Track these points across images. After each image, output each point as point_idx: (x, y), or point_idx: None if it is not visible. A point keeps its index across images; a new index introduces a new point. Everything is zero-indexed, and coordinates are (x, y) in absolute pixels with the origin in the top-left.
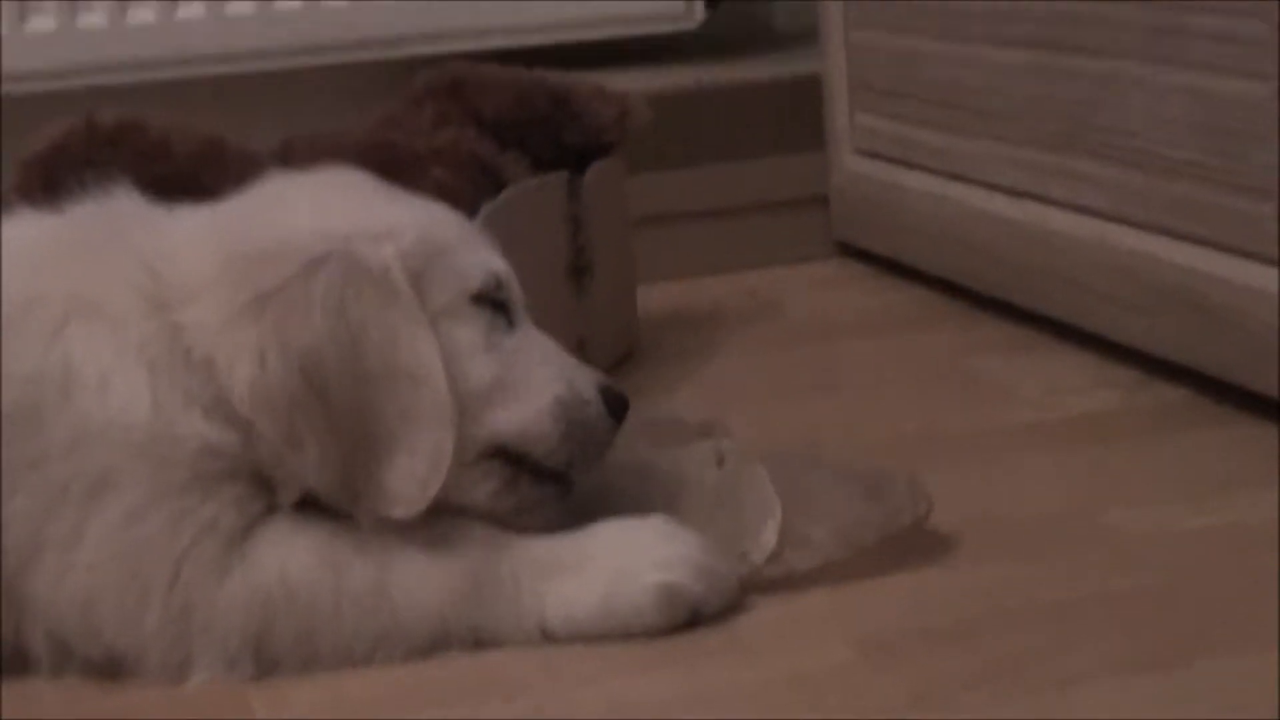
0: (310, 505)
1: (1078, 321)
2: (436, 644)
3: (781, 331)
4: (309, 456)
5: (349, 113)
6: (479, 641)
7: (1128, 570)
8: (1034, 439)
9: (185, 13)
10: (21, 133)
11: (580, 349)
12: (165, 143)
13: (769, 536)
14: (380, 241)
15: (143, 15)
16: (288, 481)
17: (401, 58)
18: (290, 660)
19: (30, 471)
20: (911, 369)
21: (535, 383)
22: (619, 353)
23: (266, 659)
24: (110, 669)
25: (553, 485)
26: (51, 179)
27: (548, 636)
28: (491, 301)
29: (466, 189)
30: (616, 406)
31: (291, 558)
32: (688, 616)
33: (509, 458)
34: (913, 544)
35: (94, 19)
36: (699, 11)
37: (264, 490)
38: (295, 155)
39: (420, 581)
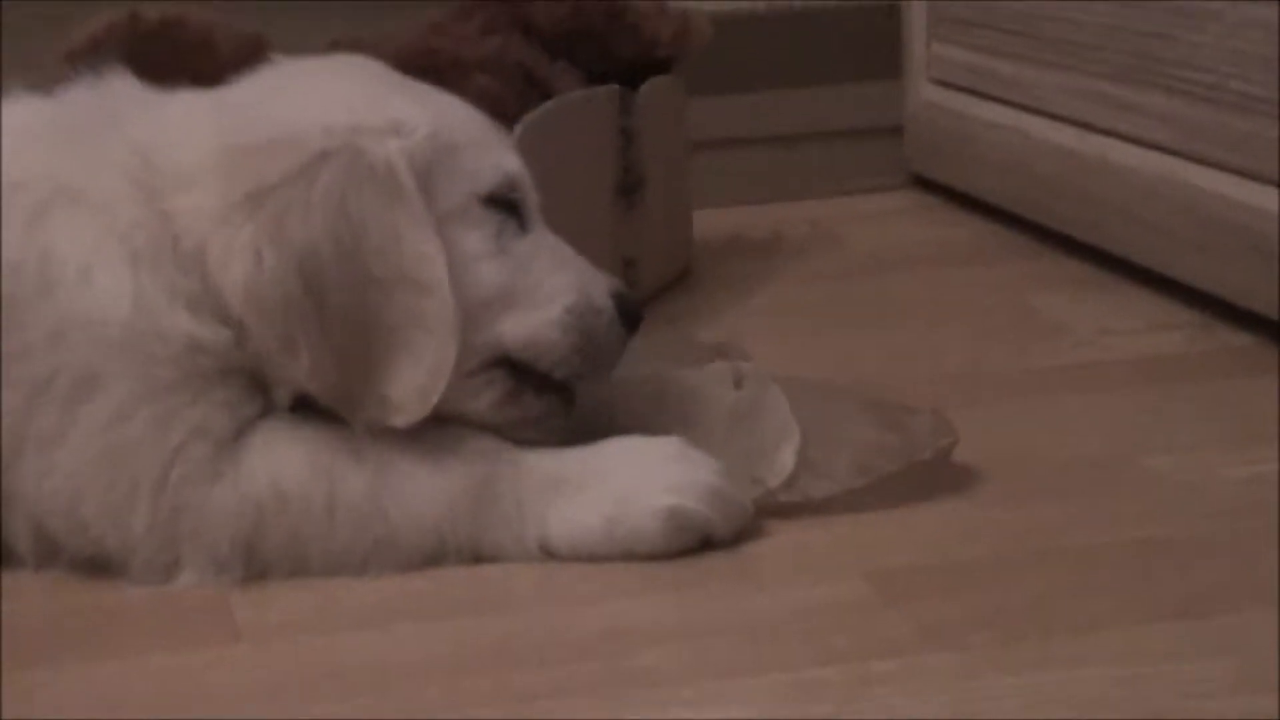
0: (306, 407)
1: (1142, 260)
2: (432, 557)
3: (840, 262)
4: (303, 361)
5: (399, 19)
6: (477, 557)
7: (1163, 518)
8: (1084, 379)
9: None
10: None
11: (627, 268)
12: (208, 40)
13: (785, 460)
14: (388, 136)
15: None
16: (282, 383)
17: None
18: (280, 567)
19: (11, 366)
20: (967, 304)
21: (545, 290)
22: (670, 275)
23: (256, 564)
24: (97, 566)
25: (557, 397)
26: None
27: (549, 555)
28: (504, 203)
29: (511, 98)
30: (630, 315)
31: (285, 464)
32: (696, 541)
33: (513, 367)
34: (941, 480)
35: None
36: None
37: (257, 392)
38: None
39: (418, 493)
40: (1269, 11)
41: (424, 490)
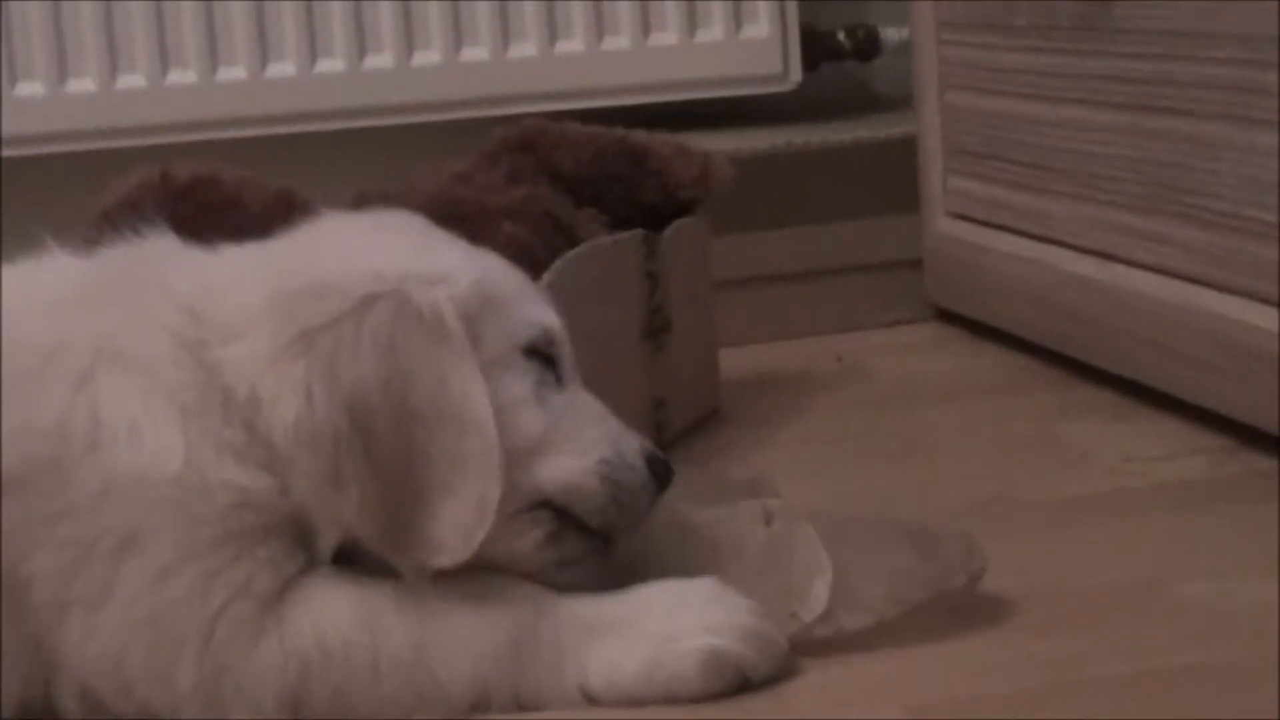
0: (347, 562)
1: (1166, 386)
2: (477, 706)
3: (866, 395)
4: (350, 497)
5: (421, 169)
6: (520, 704)
7: (1196, 645)
8: (1112, 507)
9: (274, 71)
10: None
11: (657, 409)
12: (238, 197)
13: (819, 595)
14: (434, 285)
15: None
16: (328, 526)
17: (479, 118)
18: None
19: (53, 528)
20: (994, 434)
21: (582, 441)
22: (699, 414)
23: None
24: None
25: (597, 540)
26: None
27: (590, 700)
28: (542, 356)
29: (539, 245)
30: (661, 474)
31: (328, 619)
32: (735, 682)
33: (555, 511)
34: (974, 612)
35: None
36: (796, 74)
37: (300, 547)
38: (367, 209)
39: (460, 644)
40: (1273, 139)
41: (466, 641)
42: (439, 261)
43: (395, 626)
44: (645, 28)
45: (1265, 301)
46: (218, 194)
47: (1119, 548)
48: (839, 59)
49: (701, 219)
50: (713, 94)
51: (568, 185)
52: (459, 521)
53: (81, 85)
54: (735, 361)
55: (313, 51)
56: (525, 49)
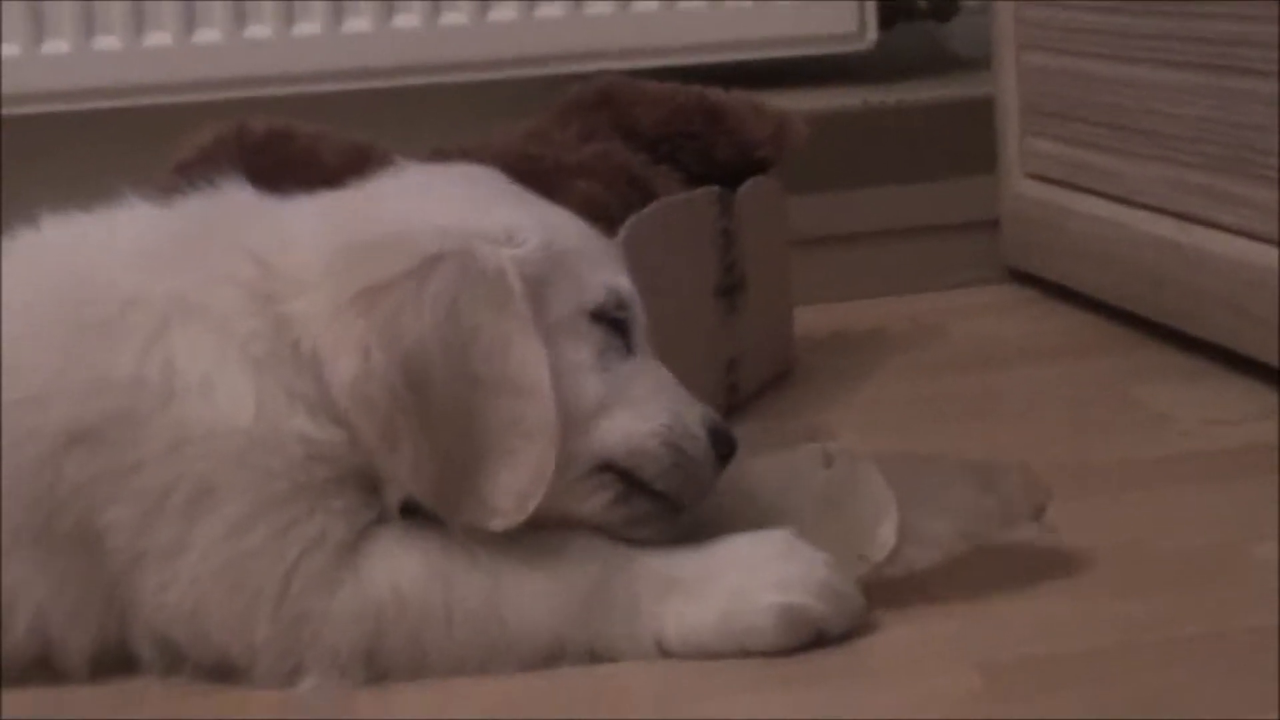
0: (417, 512)
1: (1244, 349)
2: (550, 658)
3: (941, 356)
4: (404, 457)
5: (496, 126)
6: (594, 656)
7: (1272, 606)
8: (1188, 469)
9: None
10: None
11: (730, 368)
12: (314, 150)
13: (887, 534)
14: (501, 243)
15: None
16: (389, 482)
17: (555, 75)
18: (401, 670)
19: (127, 480)
20: (1070, 395)
21: (645, 408)
22: (773, 373)
23: (377, 668)
24: (220, 671)
25: (665, 502)
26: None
27: (665, 653)
28: (611, 321)
29: (614, 202)
30: (723, 446)
31: (403, 570)
32: (811, 637)
33: (620, 473)
34: (1049, 571)
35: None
36: (871, 35)
37: (373, 498)
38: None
39: (534, 598)
40: None
41: (539, 594)
42: (509, 218)
43: (470, 578)
44: None
45: None
46: (293, 148)
47: (1195, 510)
48: (916, 18)
49: (776, 178)
50: (789, 53)
51: (643, 142)
52: (514, 486)
53: (159, 39)
54: (809, 321)
55: (389, 7)
56: (602, 7)
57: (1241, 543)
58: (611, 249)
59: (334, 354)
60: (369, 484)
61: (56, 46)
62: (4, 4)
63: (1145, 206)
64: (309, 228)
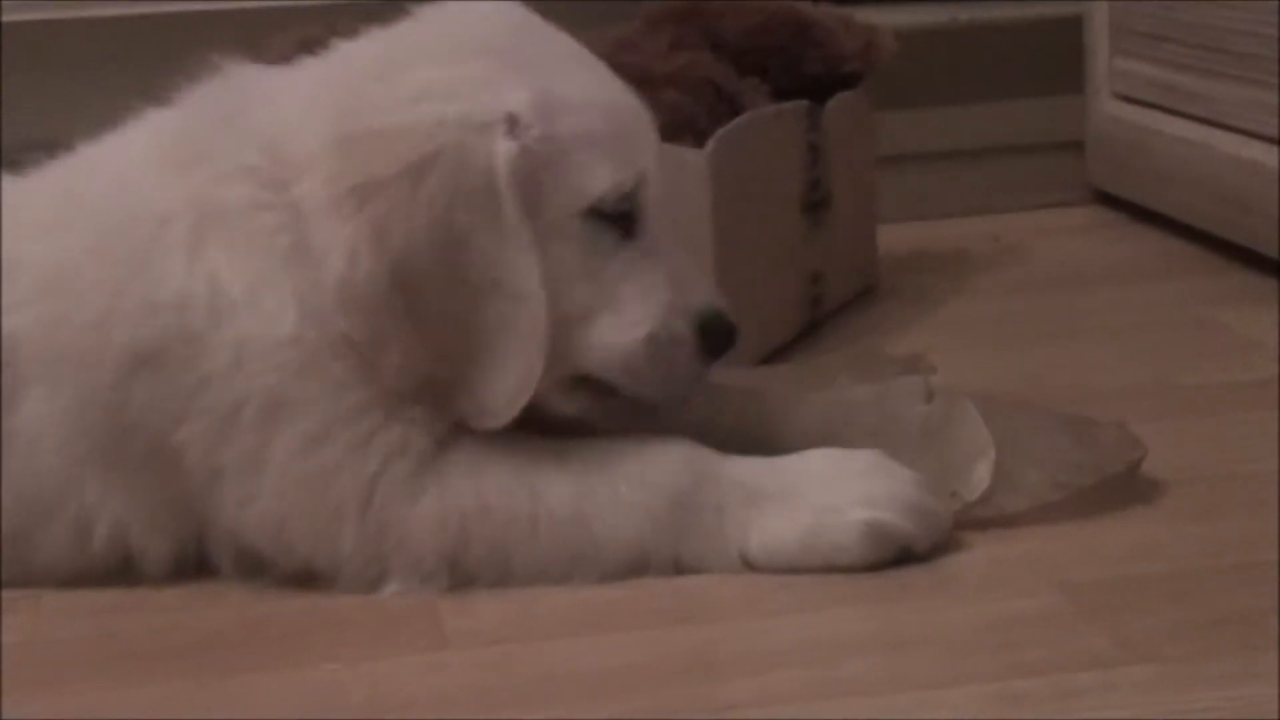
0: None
1: None
2: (634, 568)
3: (1023, 277)
4: (391, 358)
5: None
6: (678, 568)
7: None
8: (1269, 394)
9: None
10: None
11: (814, 283)
12: None
13: (981, 475)
14: (498, 135)
15: None
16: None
17: None
18: (484, 577)
19: (195, 398)
20: (1152, 318)
21: (628, 316)
22: (856, 289)
23: (461, 575)
24: (301, 580)
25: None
26: None
27: (749, 567)
28: (609, 216)
29: (700, 113)
30: (716, 340)
31: (487, 477)
32: (896, 554)
33: (597, 381)
34: (1132, 494)
35: None
36: None
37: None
38: None
39: (619, 506)
40: None
41: (626, 503)
42: (512, 100)
43: (554, 485)
44: None
45: None
46: None
47: (1276, 435)
48: None
49: (864, 93)
50: None
51: (731, 54)
52: (502, 388)
53: None
54: (893, 238)
55: None
56: None
57: None
58: (636, 121)
59: (323, 252)
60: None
61: None
62: None
63: (1234, 129)
64: (309, 104)
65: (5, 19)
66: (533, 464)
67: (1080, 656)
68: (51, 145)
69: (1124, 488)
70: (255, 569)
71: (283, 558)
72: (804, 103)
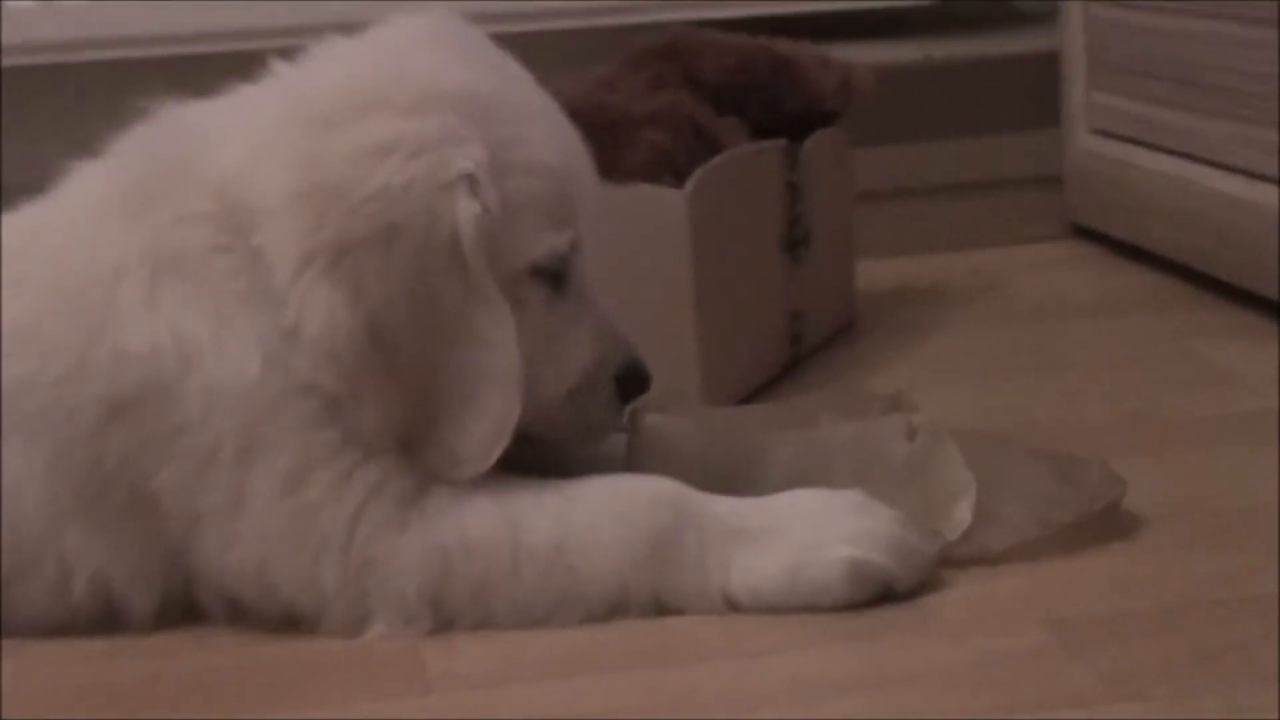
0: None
1: None
2: (616, 608)
3: (1004, 311)
4: (369, 412)
5: (568, 75)
6: (660, 607)
7: None
8: (1253, 428)
9: None
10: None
11: (794, 320)
12: None
13: (963, 513)
14: (462, 198)
15: None
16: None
17: (624, 25)
18: (467, 617)
19: (170, 443)
20: (1134, 352)
21: (556, 370)
22: (836, 326)
23: (443, 615)
24: (286, 622)
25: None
26: None
27: (731, 606)
28: (546, 273)
29: (681, 152)
30: (630, 388)
31: (469, 515)
32: (878, 592)
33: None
34: (1116, 529)
35: None
36: None
37: None
38: None
39: (601, 543)
40: None
41: (607, 541)
42: (470, 158)
43: (536, 523)
44: None
45: None
46: None
47: (1262, 469)
48: None
49: (842, 130)
50: (855, 5)
51: (710, 93)
52: (478, 436)
53: None
54: (872, 274)
55: None
56: None
57: None
58: (575, 179)
59: (299, 307)
60: None
61: None
62: None
63: (1213, 163)
64: (263, 149)
65: (5, 63)
66: (514, 502)
67: (1067, 694)
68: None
69: (1107, 522)
70: (242, 612)
71: (265, 600)
72: (783, 141)
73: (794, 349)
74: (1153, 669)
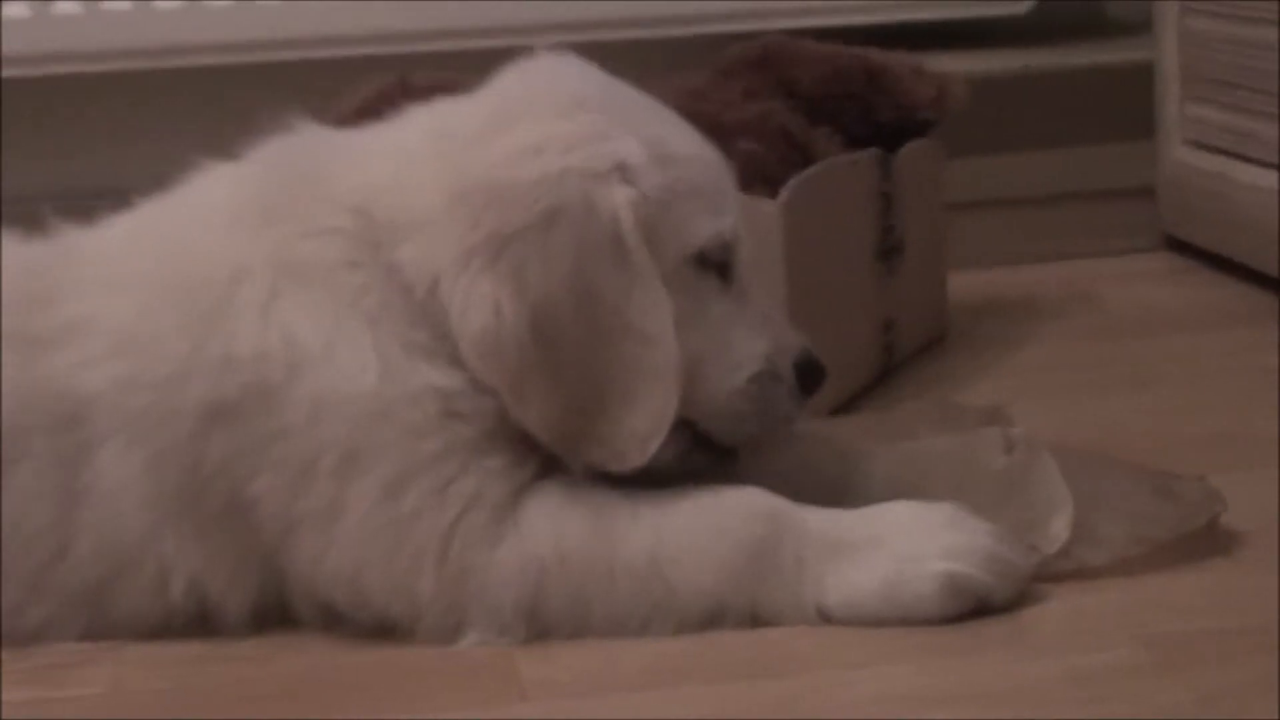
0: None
1: None
2: (711, 619)
3: (1096, 324)
4: (531, 407)
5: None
6: (755, 619)
7: None
8: None
9: None
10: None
11: (887, 330)
12: None
13: (1060, 529)
14: (617, 184)
15: None
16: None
17: (717, 33)
18: (562, 628)
19: (271, 449)
20: (1228, 366)
21: (733, 358)
22: (928, 337)
23: (538, 626)
24: (379, 629)
25: (719, 456)
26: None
27: (826, 619)
28: (713, 263)
29: (774, 162)
30: (810, 380)
31: (565, 527)
32: (973, 607)
33: (693, 429)
34: (1210, 545)
35: None
36: None
37: (528, 455)
38: None
39: (697, 556)
40: None
41: (703, 553)
42: (623, 151)
43: (631, 535)
44: None
45: None
46: None
47: None
48: None
49: (936, 140)
50: (948, 14)
51: (804, 103)
52: (636, 430)
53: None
54: (964, 285)
55: None
56: None
57: None
58: (721, 171)
59: (462, 308)
60: (521, 439)
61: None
62: None
63: None
64: (404, 168)
65: (6, 74)
66: (609, 514)
67: (1160, 711)
68: (51, 198)
69: (1202, 538)
70: (336, 618)
71: (359, 608)
72: (876, 151)
73: (886, 359)
74: (1248, 688)
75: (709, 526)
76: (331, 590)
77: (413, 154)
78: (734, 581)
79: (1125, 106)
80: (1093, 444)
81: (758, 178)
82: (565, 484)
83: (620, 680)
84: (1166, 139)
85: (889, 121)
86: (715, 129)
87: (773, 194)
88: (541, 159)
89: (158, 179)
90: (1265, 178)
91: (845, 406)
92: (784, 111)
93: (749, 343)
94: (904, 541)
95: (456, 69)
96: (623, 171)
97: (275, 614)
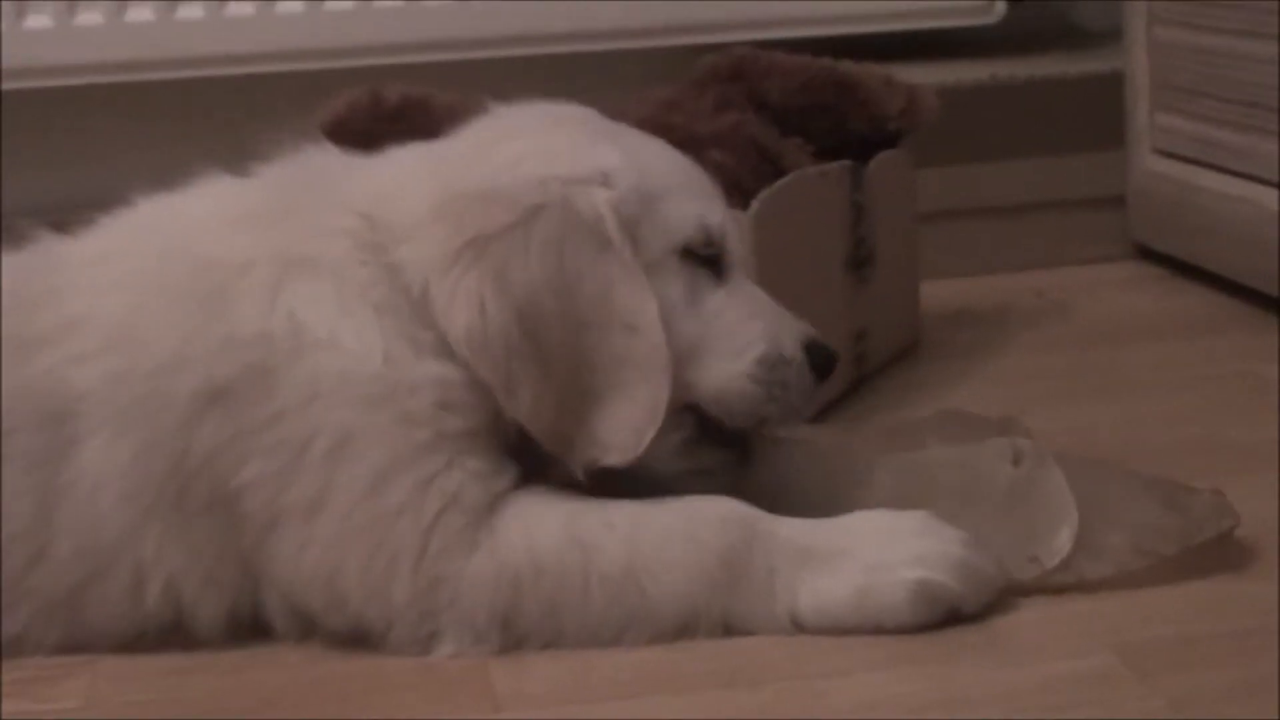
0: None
1: None
2: (685, 629)
3: (1068, 332)
4: (523, 401)
5: (633, 95)
6: (728, 628)
7: None
8: None
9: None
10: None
11: (858, 340)
12: (450, 120)
13: (1063, 541)
14: (596, 187)
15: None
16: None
17: (688, 45)
18: (536, 637)
19: (264, 434)
20: (1199, 374)
21: (737, 342)
22: (900, 347)
23: (513, 635)
24: (353, 639)
25: (732, 452)
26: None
27: (799, 627)
28: (699, 256)
29: (746, 174)
30: (822, 363)
31: (540, 534)
32: (945, 615)
33: (697, 415)
34: (1184, 552)
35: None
36: (999, 7)
37: (506, 463)
38: None
39: (671, 564)
40: None
41: (678, 561)
42: (602, 160)
43: (606, 544)
44: None
45: None
46: (427, 117)
47: None
48: None
49: (907, 151)
50: (917, 25)
51: (775, 114)
52: (630, 422)
53: (290, 8)
54: (935, 294)
55: None
56: None
57: None
58: (703, 180)
59: (448, 305)
60: (500, 444)
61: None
62: None
63: (1275, 185)
64: (405, 178)
65: (5, 87)
66: (584, 524)
67: (1134, 718)
68: (49, 211)
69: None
70: (308, 628)
71: (334, 611)
72: (847, 163)
73: (858, 368)
74: (1222, 694)
75: (683, 535)
76: (308, 591)
77: (411, 169)
78: (707, 590)
79: (1095, 116)
80: (1065, 451)
81: (729, 189)
82: (541, 493)
83: (594, 691)
84: (1136, 148)
85: (860, 132)
86: (687, 140)
87: (744, 205)
88: (523, 167)
89: (121, 196)
90: (1233, 186)
91: (818, 416)
92: (755, 123)
93: (748, 326)
94: (875, 550)
95: (429, 82)
96: (603, 176)
97: (249, 625)
